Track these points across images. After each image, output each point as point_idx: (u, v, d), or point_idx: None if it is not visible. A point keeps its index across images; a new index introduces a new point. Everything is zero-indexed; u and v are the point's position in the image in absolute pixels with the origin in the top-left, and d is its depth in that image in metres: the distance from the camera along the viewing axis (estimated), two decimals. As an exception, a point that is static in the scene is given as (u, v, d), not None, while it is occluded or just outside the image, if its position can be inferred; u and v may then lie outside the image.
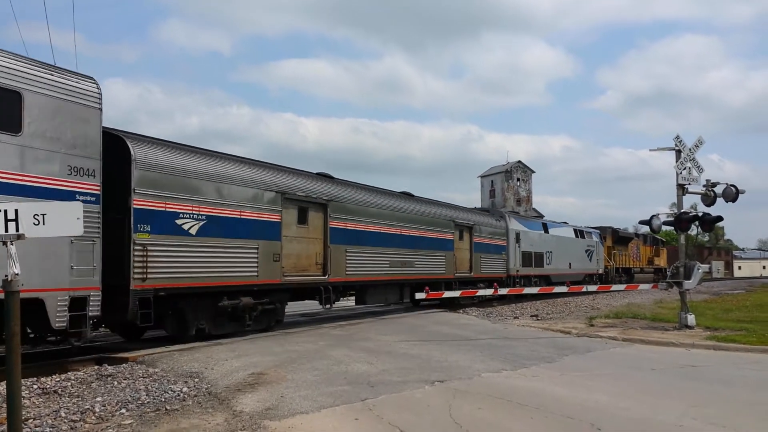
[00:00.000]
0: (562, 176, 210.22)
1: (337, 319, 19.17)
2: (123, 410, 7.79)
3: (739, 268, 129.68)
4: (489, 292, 23.20)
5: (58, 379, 9.51)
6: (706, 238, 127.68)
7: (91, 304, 10.71)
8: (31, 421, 7.19)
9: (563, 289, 23.19)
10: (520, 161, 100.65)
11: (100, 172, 11.07)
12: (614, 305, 26.24)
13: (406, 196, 23.04)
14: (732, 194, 17.00)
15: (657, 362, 11.90)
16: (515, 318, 20.86)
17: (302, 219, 16.55)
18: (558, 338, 15.41)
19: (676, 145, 17.40)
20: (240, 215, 14.37)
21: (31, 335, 11.00)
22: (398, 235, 20.76)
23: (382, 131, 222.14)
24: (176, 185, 12.85)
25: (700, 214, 17.51)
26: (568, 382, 9.76)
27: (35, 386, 9.00)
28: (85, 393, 8.75)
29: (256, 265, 14.70)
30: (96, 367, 10.50)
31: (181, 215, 12.88)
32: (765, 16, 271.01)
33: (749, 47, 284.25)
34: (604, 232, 43.57)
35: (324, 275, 17.13)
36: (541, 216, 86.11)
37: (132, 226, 11.84)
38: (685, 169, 17.26)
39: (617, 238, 45.98)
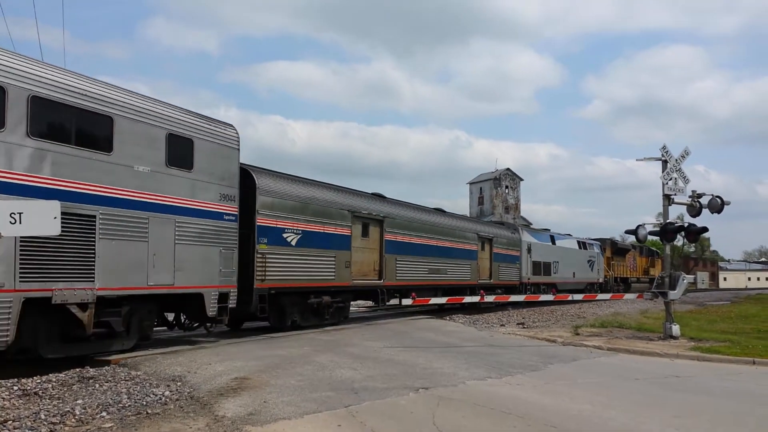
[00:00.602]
0: (549, 184, 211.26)
1: (382, 317, 22.13)
2: (104, 413, 7.70)
3: (725, 279, 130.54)
4: (476, 298, 23.29)
5: (38, 381, 9.39)
6: (692, 249, 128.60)
7: (230, 298, 13.87)
8: (10, 423, 7.10)
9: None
10: (508, 169, 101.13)
11: (238, 197, 14.28)
12: (600, 314, 26.30)
13: (439, 212, 26.57)
14: (717, 205, 17.10)
15: (641, 372, 11.93)
16: (501, 325, 20.87)
17: (365, 233, 20.02)
18: (543, 346, 15.43)
19: (662, 155, 17.50)
20: (323, 230, 17.91)
21: (186, 322, 14.19)
22: (435, 246, 24.05)
23: (370, 136, 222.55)
24: (282, 207, 16.34)
25: (686, 225, 17.62)
26: (552, 391, 9.76)
27: (15, 387, 8.89)
28: (66, 395, 8.66)
29: (334, 270, 18.11)
30: (78, 369, 10.38)
31: (285, 230, 16.39)
32: (750, 28, 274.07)
33: (734, 58, 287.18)
34: (603, 243, 46.01)
35: (380, 279, 20.55)
36: (529, 224, 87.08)
37: (256, 239, 15.23)
38: (671, 179, 17.36)
39: (616, 249, 48.62)
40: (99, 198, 11.11)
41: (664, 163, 17.50)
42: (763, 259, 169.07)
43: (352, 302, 20.43)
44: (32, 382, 9.31)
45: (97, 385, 9.24)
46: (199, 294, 13.05)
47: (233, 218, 14.10)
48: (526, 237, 33.26)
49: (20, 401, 8.31)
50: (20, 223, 5.76)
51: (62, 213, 8.78)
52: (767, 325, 21.94)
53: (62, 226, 8.63)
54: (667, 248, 18.21)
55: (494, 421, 7.80)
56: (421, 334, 17.08)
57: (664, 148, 17.56)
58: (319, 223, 17.69)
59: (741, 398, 9.74)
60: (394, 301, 20.56)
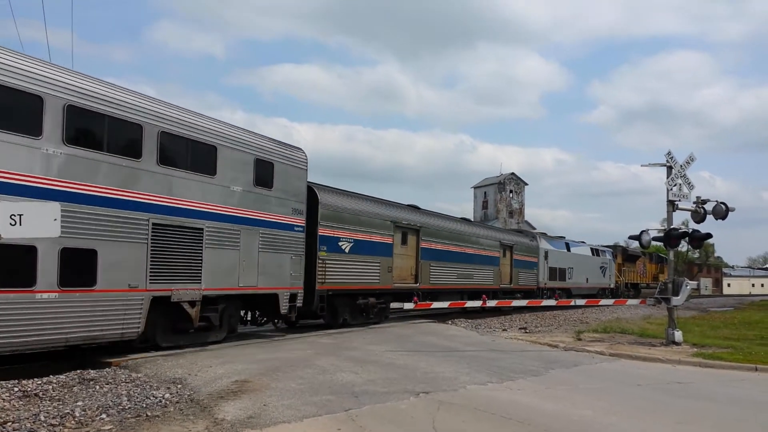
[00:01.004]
0: (554, 189, 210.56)
1: (416, 318, 23.56)
2: (103, 415, 7.69)
3: (729, 285, 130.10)
4: (478, 304, 23.34)
5: (39, 382, 9.38)
6: (697, 255, 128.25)
7: (298, 298, 16.31)
8: (9, 424, 7.10)
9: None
10: (513, 173, 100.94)
11: (305, 211, 16.76)
12: (602, 319, 26.22)
13: (466, 221, 29.50)
14: (722, 212, 17.05)
15: (643, 378, 11.89)
16: (504, 330, 20.82)
17: (404, 241, 22.24)
18: (545, 351, 15.38)
19: (667, 161, 17.47)
20: (371, 239, 20.15)
21: (261, 320, 16.78)
22: (463, 253, 26.16)
23: (375, 139, 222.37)
24: (338, 218, 18.59)
25: (690, 231, 17.57)
26: (553, 396, 9.72)
27: (16, 389, 8.88)
28: (66, 397, 8.65)
29: (378, 274, 20.41)
30: (78, 371, 10.38)
31: (340, 239, 18.65)
32: (757, 35, 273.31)
33: (741, 65, 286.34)
34: (615, 250, 48.12)
35: (416, 283, 22.76)
36: (533, 228, 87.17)
37: (318, 246, 17.48)
38: (675, 185, 17.31)
39: (626, 256, 50.58)
40: (206, 214, 13.65)
41: (669, 169, 17.47)
42: (767, 266, 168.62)
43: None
44: (33, 383, 9.30)
45: (97, 387, 9.23)
46: (274, 294, 15.58)
47: (301, 229, 16.61)
48: (543, 244, 35.13)
49: (20, 402, 8.31)
50: (20, 224, 5.76)
51: (179, 226, 12.86)
52: (771, 331, 21.87)
53: (179, 237, 12.86)
54: (671, 254, 18.16)
55: (494, 426, 7.77)
56: (423, 338, 17.05)
57: (669, 154, 17.52)
58: (367, 232, 20.01)
59: (743, 405, 9.69)
60: (396, 305, 21.20)
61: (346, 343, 15.30)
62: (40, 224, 5.79)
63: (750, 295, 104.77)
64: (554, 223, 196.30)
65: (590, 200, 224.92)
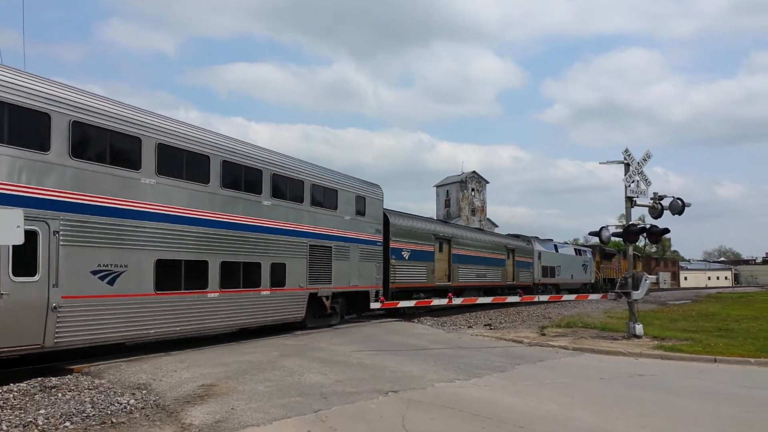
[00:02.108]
0: (512, 186, 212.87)
1: (447, 310, 27.63)
2: (67, 423, 7.55)
3: (686, 278, 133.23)
4: (444, 301, 23.61)
5: (-1, 391, 9.17)
6: (654, 249, 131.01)
7: (379, 294, 22.10)
8: (-32, 435, 6.91)
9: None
10: (474, 172, 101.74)
11: (382, 231, 22.78)
12: (565, 314, 26.64)
13: (479, 230, 37.18)
14: (678, 207, 17.44)
15: (606, 371, 12.12)
16: (469, 327, 20.99)
17: (441, 249, 28.37)
18: (510, 347, 15.56)
19: (624, 158, 17.80)
20: (421, 248, 26.22)
21: (351, 315, 21.74)
22: (479, 257, 32.26)
23: (333, 138, 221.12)
24: (401, 234, 24.67)
25: (648, 227, 17.93)
26: (519, 392, 9.84)
27: (-25, 399, 8.65)
28: (28, 405, 8.45)
29: (425, 275, 26.44)
30: (39, 379, 10.14)
31: (403, 250, 24.70)
32: (705, 32, 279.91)
33: (690, 62, 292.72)
34: (594, 250, 54.15)
35: (449, 282, 28.85)
36: (495, 226, 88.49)
37: (390, 256, 23.47)
38: (633, 182, 17.66)
39: (604, 254, 55.89)
40: (333, 236, 19.80)
41: (627, 166, 17.80)
42: (722, 259, 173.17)
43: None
44: (-8, 392, 9.07)
45: (60, 395, 9.04)
46: (367, 292, 21.59)
47: (380, 244, 22.72)
48: (537, 246, 40.96)
49: (-20, 412, 8.09)
50: None
51: (321, 246, 18.94)
52: (727, 323, 22.47)
53: (321, 253, 18.86)
54: (630, 249, 18.51)
55: (463, 422, 7.84)
56: (390, 337, 17.10)
57: (626, 151, 17.86)
58: (419, 243, 26.04)
59: (703, 396, 9.95)
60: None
61: (312, 343, 15.25)
62: (3, 232, 5.64)
63: (706, 287, 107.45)
64: (514, 220, 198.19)
65: (548, 197, 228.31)
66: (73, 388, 9.50)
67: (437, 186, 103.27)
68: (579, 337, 17.42)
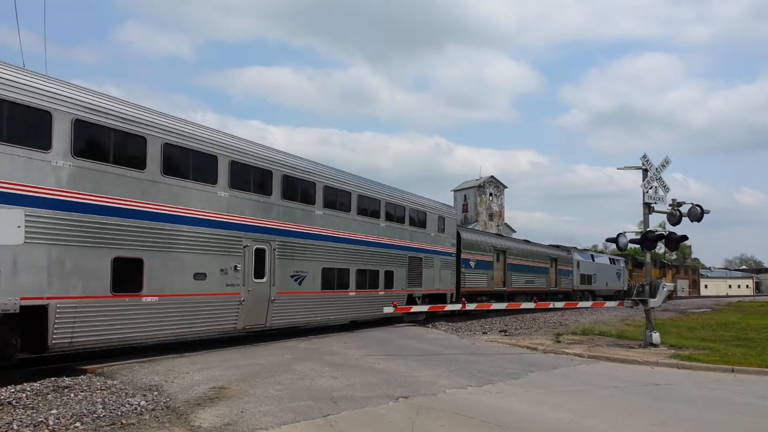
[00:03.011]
0: (530, 191, 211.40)
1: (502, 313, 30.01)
2: (78, 423, 7.59)
3: (706, 286, 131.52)
4: (458, 306, 23.43)
5: (12, 390, 9.24)
6: (674, 257, 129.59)
7: (454, 296, 26.94)
8: (-20, 434, 6.97)
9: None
10: (492, 176, 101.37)
11: (455, 244, 27.71)
12: (582, 321, 26.41)
13: (526, 242, 40.63)
14: (697, 214, 17.23)
15: (621, 380, 11.97)
16: (484, 333, 20.89)
17: (498, 259, 33.18)
18: (524, 354, 15.44)
19: (643, 164, 17.63)
20: (483, 258, 31.05)
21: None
22: (528, 266, 36.97)
23: (350, 142, 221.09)
24: (468, 246, 29.56)
25: (666, 233, 17.73)
26: (532, 399, 9.75)
27: (-12, 398, 8.74)
28: (41, 405, 8.51)
29: (486, 281, 31.46)
30: (53, 379, 10.23)
31: (470, 260, 29.42)
32: (722, 38, 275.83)
33: (709, 68, 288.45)
34: (627, 259, 58.15)
35: (504, 287, 33.71)
36: (513, 231, 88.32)
37: (460, 265, 28.30)
38: (651, 188, 17.48)
39: (636, 263, 60.42)
40: (424, 249, 24.81)
41: (645, 172, 17.63)
42: (743, 267, 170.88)
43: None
44: (6, 391, 9.16)
45: (72, 395, 9.10)
46: (445, 294, 26.43)
47: (454, 255, 27.70)
48: (576, 256, 45.20)
49: (-7, 411, 8.16)
50: None
51: (415, 257, 24.07)
52: (746, 332, 22.15)
53: (416, 263, 24.03)
54: (648, 256, 18.32)
55: (473, 429, 7.77)
56: (403, 342, 17.04)
57: (644, 157, 17.69)
58: (482, 254, 30.93)
59: (719, 406, 9.79)
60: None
61: (325, 347, 15.23)
62: (3, 232, 5.67)
63: (727, 296, 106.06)
64: (531, 226, 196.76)
65: (566, 203, 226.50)
66: (85, 388, 9.56)
67: (455, 190, 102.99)
68: (594, 345, 17.25)
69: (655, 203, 17.64)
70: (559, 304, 25.11)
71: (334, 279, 19.07)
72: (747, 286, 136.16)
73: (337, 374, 11.29)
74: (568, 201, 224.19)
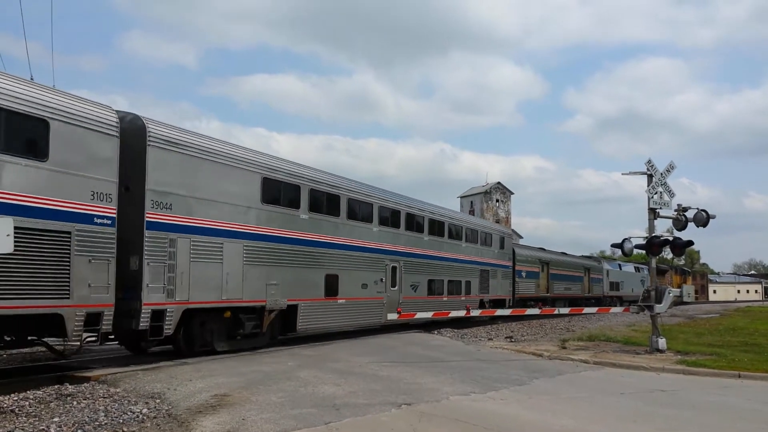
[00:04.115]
0: (536, 197, 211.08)
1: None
2: (79, 431, 7.58)
3: (714, 291, 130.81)
4: (462, 313, 23.44)
5: (16, 398, 9.25)
6: (682, 262, 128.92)
7: (511, 301, 33.69)
8: (-19, 442, 6.98)
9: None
10: (499, 182, 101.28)
11: (511, 258, 34.59)
12: (588, 327, 26.27)
13: (564, 254, 45.89)
14: (703, 219, 17.15)
15: (627, 386, 11.89)
16: (489, 339, 20.80)
17: (542, 269, 39.36)
18: (529, 361, 15.36)
19: (647, 169, 17.56)
20: (531, 270, 37.48)
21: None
22: (566, 275, 43.29)
23: (355, 148, 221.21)
24: (520, 260, 35.92)
25: (671, 239, 17.64)
26: (536, 406, 9.69)
27: (-9, 406, 8.75)
28: (43, 413, 8.52)
29: (534, 288, 37.71)
30: (56, 386, 10.24)
31: (522, 271, 36.05)
32: (726, 41, 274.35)
33: (713, 71, 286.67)
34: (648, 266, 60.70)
35: (548, 293, 39.75)
36: (520, 237, 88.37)
37: (515, 275, 34.86)
38: (656, 193, 17.41)
39: (658, 270, 59.75)
40: (490, 264, 31.23)
41: (650, 177, 17.56)
42: (752, 272, 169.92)
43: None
44: (9, 399, 9.17)
45: (74, 403, 9.10)
46: (504, 299, 32.35)
47: (510, 267, 34.00)
48: (605, 265, 52.07)
49: (-5, 419, 8.17)
50: None
51: (487, 270, 30.95)
52: (754, 338, 21.97)
53: (483, 274, 30.63)
54: (653, 261, 18.22)
55: (475, 437, 7.72)
56: (407, 349, 16.97)
57: (649, 162, 17.62)
58: (530, 265, 37.39)
59: (725, 412, 9.72)
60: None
61: (329, 354, 15.19)
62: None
63: (736, 301, 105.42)
64: (537, 232, 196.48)
65: (572, 208, 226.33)
66: (88, 396, 9.56)
67: (461, 197, 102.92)
68: (600, 351, 17.14)
69: (661, 208, 17.57)
70: (565, 310, 25.12)
71: (434, 287, 25.60)
72: (756, 291, 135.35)
73: (340, 381, 11.25)
74: (575, 206, 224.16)
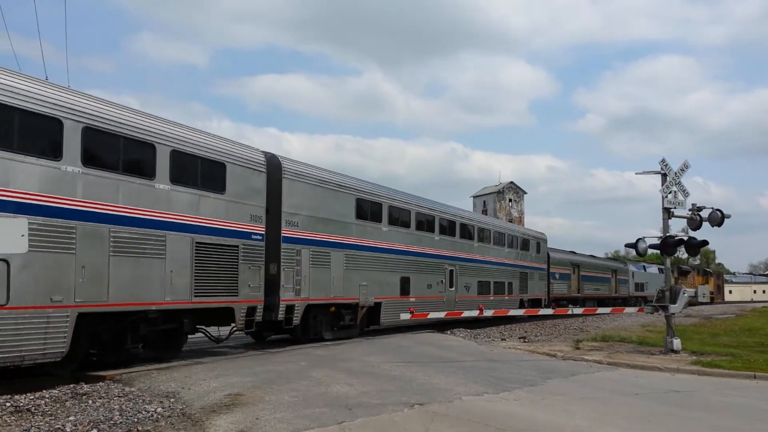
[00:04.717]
0: (548, 197, 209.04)
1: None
2: (94, 430, 7.67)
3: (730, 292, 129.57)
4: (475, 312, 23.41)
5: (31, 398, 9.35)
6: (697, 263, 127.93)
7: (546, 301, 36.98)
8: (-2, 440, 7.07)
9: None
10: (512, 182, 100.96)
11: (546, 261, 38.27)
12: (602, 327, 26.17)
13: (593, 257, 50.72)
14: (718, 219, 17.01)
15: (641, 387, 11.83)
16: (502, 339, 20.76)
17: (574, 271, 42.50)
18: (543, 361, 15.32)
19: (661, 168, 17.44)
20: (562, 272, 40.81)
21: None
22: (595, 276, 46.65)
23: (365, 148, 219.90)
24: (554, 263, 39.42)
25: (686, 239, 17.51)
26: (549, 407, 9.66)
27: (8, 404, 8.85)
28: (59, 412, 8.62)
29: (566, 289, 41.10)
30: (71, 386, 10.34)
31: (556, 273, 39.59)
32: (738, 39, 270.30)
33: (726, 70, 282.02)
34: (672, 267, 63.04)
35: (579, 294, 42.85)
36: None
37: (549, 276, 38.37)
38: (670, 192, 17.29)
39: (681, 271, 67.59)
40: (528, 267, 35.14)
41: (664, 176, 17.44)
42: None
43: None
44: (25, 398, 9.27)
45: (90, 402, 9.20)
46: (540, 299, 35.76)
47: (545, 270, 37.50)
48: (630, 267, 55.22)
49: (12, 418, 8.27)
50: None
51: (522, 272, 34.52)
52: (770, 338, 21.76)
53: (522, 276, 34.47)
54: (668, 261, 18.11)
55: (488, 437, 7.72)
56: (420, 349, 16.97)
57: (663, 161, 17.51)
58: (563, 268, 40.68)
59: (740, 413, 9.64)
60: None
61: (341, 354, 15.22)
62: (5, 241, 5.74)
63: (752, 301, 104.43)
64: (550, 232, 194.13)
65: (585, 208, 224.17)
66: (103, 395, 9.66)
67: (474, 196, 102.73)
68: (614, 352, 17.06)
69: (675, 208, 17.45)
70: (578, 310, 24.92)
71: (483, 288, 28.88)
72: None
73: (353, 381, 11.27)
74: (588, 206, 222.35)
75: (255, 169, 15.79)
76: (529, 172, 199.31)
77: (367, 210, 20.59)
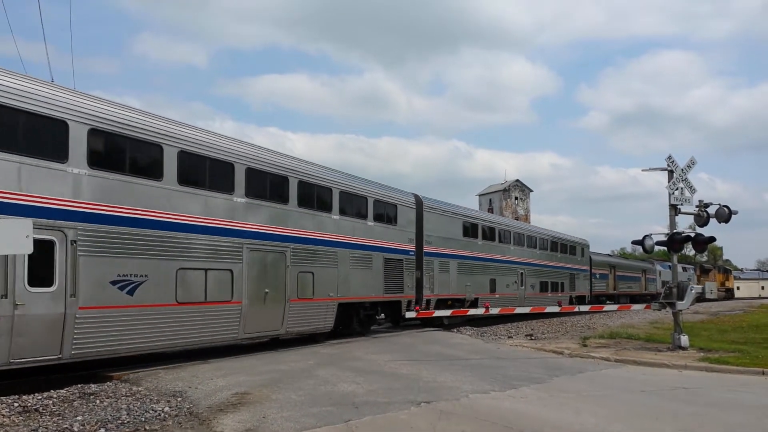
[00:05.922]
0: (553, 194, 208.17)
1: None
2: (102, 430, 7.69)
3: (738, 288, 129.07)
4: (481, 311, 23.41)
5: (39, 398, 9.39)
6: (704, 259, 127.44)
7: (588, 297, 42.03)
8: (7, 440, 7.09)
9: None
10: (518, 180, 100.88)
11: (589, 263, 43.22)
12: (610, 325, 26.11)
13: (625, 257, 64.76)
14: (725, 215, 16.94)
15: (648, 384, 11.79)
16: (509, 337, 20.73)
17: (610, 271, 47.91)
18: (550, 358, 15.29)
19: (668, 165, 17.37)
20: (603, 272, 46.38)
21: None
22: (628, 275, 51.70)
23: (368, 147, 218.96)
24: (595, 264, 44.40)
25: (693, 235, 17.44)
26: (556, 404, 9.65)
27: (16, 404, 8.89)
28: (66, 411, 8.64)
29: (605, 287, 46.49)
30: (79, 385, 10.37)
31: (597, 274, 44.63)
32: (742, 33, 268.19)
33: (730, 65, 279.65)
34: (695, 266, 74.33)
35: (615, 291, 47.82)
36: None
37: (591, 276, 43.40)
38: (677, 189, 17.22)
39: (702, 270, 75.06)
40: (574, 269, 40.41)
41: (670, 173, 17.37)
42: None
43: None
44: (33, 398, 9.31)
45: (97, 401, 9.22)
46: (584, 296, 41.09)
47: (588, 270, 42.61)
48: (657, 267, 59.52)
49: (20, 418, 8.31)
50: None
51: (572, 273, 40.13)
52: (779, 334, 21.67)
53: (571, 276, 40.28)
54: (674, 258, 18.04)
55: (495, 435, 7.70)
56: (427, 347, 16.97)
57: (669, 158, 17.44)
58: (601, 269, 45.44)
59: (748, 410, 9.59)
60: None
61: (348, 353, 15.24)
62: (10, 242, 5.74)
63: (760, 297, 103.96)
64: (555, 229, 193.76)
65: (591, 205, 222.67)
66: (111, 395, 9.69)
67: (480, 195, 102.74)
68: (622, 349, 17.01)
69: (682, 205, 17.38)
70: (585, 308, 24.82)
71: (543, 286, 34.57)
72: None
73: (359, 380, 11.28)
74: (593, 203, 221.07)
75: (411, 207, 22.42)
76: (533, 170, 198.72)
77: (469, 229, 26.95)
